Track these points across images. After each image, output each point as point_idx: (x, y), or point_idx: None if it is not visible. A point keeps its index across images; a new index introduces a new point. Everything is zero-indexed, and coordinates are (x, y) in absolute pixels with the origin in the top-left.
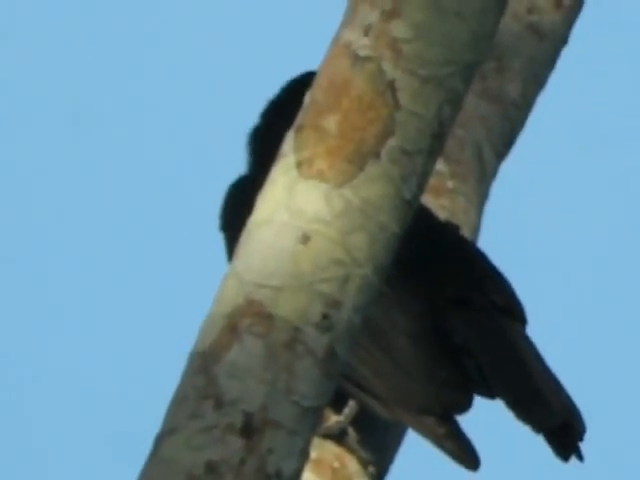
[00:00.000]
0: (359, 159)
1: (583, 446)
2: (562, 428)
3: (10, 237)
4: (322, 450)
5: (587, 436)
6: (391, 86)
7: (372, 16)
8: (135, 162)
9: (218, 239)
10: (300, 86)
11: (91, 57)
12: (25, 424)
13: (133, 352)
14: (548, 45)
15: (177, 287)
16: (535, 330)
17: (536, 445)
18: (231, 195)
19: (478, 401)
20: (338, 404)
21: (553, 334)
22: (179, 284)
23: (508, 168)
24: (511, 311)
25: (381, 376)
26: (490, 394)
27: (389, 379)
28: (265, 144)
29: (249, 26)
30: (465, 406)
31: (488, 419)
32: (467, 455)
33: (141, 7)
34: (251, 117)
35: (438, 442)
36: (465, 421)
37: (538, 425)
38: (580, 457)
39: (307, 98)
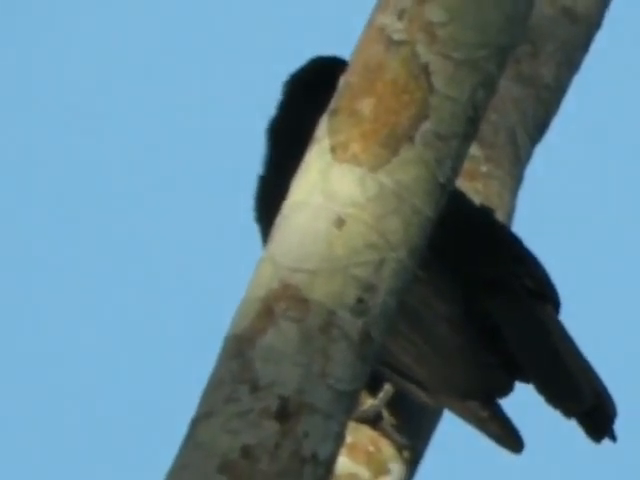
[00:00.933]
0: (393, 143)
1: (616, 428)
2: (593, 411)
3: (10, 238)
4: (357, 434)
5: (619, 418)
6: (425, 70)
7: (406, 0)
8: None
9: (249, 224)
10: (313, 74)
11: (91, 57)
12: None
13: (168, 336)
14: (582, 29)
15: (212, 271)
16: (568, 313)
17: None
18: (262, 185)
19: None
20: (374, 388)
21: (586, 317)
22: (214, 269)
23: (542, 151)
24: (544, 294)
25: (422, 362)
26: (526, 378)
27: (430, 365)
28: (289, 133)
29: (275, 10)
30: (507, 389)
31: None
32: (511, 438)
33: (141, 7)
34: (254, 112)
35: (482, 425)
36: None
37: (568, 409)
38: (613, 438)
39: (341, 82)
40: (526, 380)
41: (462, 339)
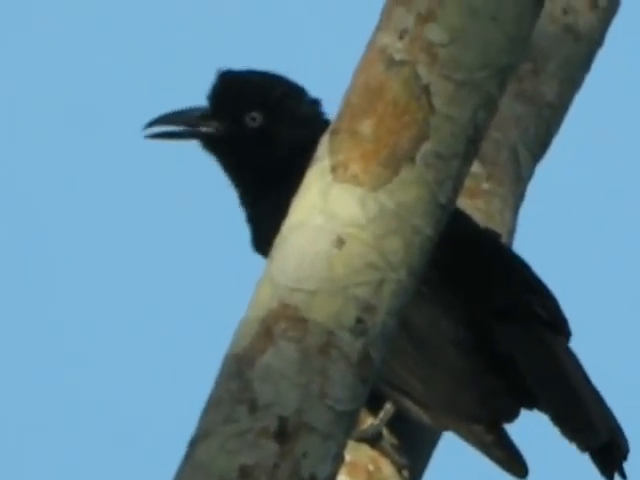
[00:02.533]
0: (394, 163)
1: (627, 465)
2: (606, 447)
3: (11, 238)
4: (357, 453)
5: (631, 455)
6: (426, 90)
7: (407, 20)
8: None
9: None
10: None
11: (91, 57)
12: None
13: (166, 356)
14: (584, 46)
15: (211, 291)
16: (576, 340)
17: (580, 458)
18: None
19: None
20: (374, 407)
21: (591, 342)
22: (213, 288)
23: (543, 169)
24: (555, 324)
25: (428, 383)
26: (531, 405)
27: (436, 386)
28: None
29: (277, 29)
30: (512, 414)
31: (529, 429)
32: (515, 463)
33: (142, 7)
34: None
35: (486, 449)
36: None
37: (583, 443)
38: (624, 476)
39: (342, 102)
40: (531, 407)
41: (469, 363)
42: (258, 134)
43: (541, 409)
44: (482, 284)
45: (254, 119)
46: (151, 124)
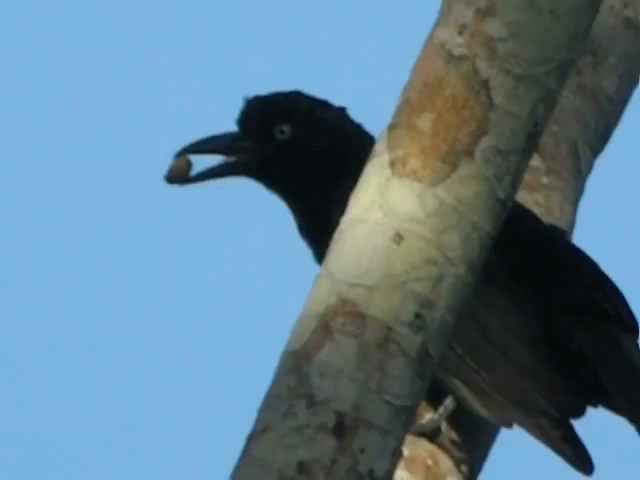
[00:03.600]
0: (453, 158)
1: None
2: None
3: (11, 238)
4: (416, 448)
5: None
6: (485, 85)
7: (467, 15)
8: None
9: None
10: None
11: (90, 57)
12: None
13: (226, 353)
14: None
15: (269, 287)
16: None
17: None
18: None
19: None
20: (434, 402)
21: None
22: (271, 284)
23: (603, 163)
24: (624, 321)
25: (498, 375)
26: (598, 403)
27: (506, 379)
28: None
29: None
30: (580, 412)
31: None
32: (582, 460)
33: (142, 7)
34: None
35: (553, 445)
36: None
37: None
38: None
39: (400, 97)
40: (597, 405)
41: (538, 358)
42: (290, 145)
43: (613, 407)
44: (551, 281)
45: (283, 132)
46: (182, 152)
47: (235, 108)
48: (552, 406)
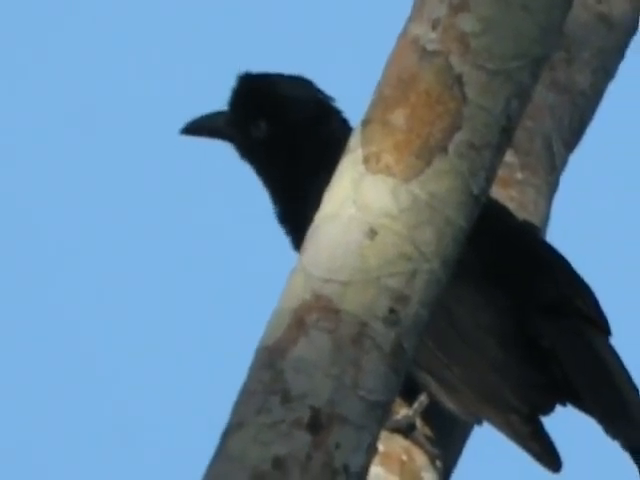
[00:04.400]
0: (427, 154)
1: None
2: None
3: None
4: (390, 443)
5: None
6: (459, 80)
7: (440, 10)
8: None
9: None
10: None
11: (91, 56)
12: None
13: (200, 347)
14: (617, 35)
15: (243, 282)
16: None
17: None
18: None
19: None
20: (408, 397)
21: (626, 337)
22: (245, 279)
23: (577, 159)
24: (596, 321)
25: (468, 370)
26: (567, 401)
27: (476, 373)
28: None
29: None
30: (550, 408)
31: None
32: (550, 456)
33: (143, 7)
34: None
35: (522, 441)
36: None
37: (627, 442)
38: None
39: (374, 92)
40: (565, 403)
41: (510, 354)
42: (265, 143)
43: (581, 405)
44: (525, 278)
45: (259, 128)
46: (184, 131)
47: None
48: (522, 402)
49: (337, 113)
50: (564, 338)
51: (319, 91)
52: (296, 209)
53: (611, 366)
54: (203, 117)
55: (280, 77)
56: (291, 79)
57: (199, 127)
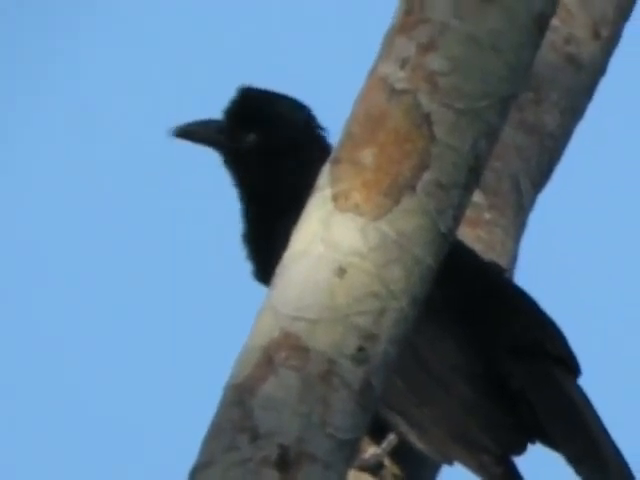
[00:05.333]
0: (395, 192)
1: None
2: None
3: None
4: None
5: None
6: (427, 119)
7: (409, 49)
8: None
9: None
10: None
11: (91, 56)
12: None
13: (168, 383)
14: (586, 76)
15: (212, 318)
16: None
17: None
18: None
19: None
20: (376, 436)
21: (595, 374)
22: (213, 314)
23: (545, 199)
24: (565, 361)
25: (438, 410)
26: (537, 440)
27: (446, 414)
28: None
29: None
30: (521, 448)
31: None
32: None
33: (143, 8)
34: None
35: None
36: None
37: None
38: None
39: (343, 131)
40: (535, 442)
41: (480, 394)
42: (252, 155)
43: (554, 447)
44: (494, 319)
45: (249, 139)
46: (176, 133)
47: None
48: (493, 442)
49: (323, 142)
50: (533, 379)
51: (311, 117)
52: (264, 235)
53: (580, 407)
54: (196, 122)
55: (278, 96)
56: (288, 100)
57: (190, 131)
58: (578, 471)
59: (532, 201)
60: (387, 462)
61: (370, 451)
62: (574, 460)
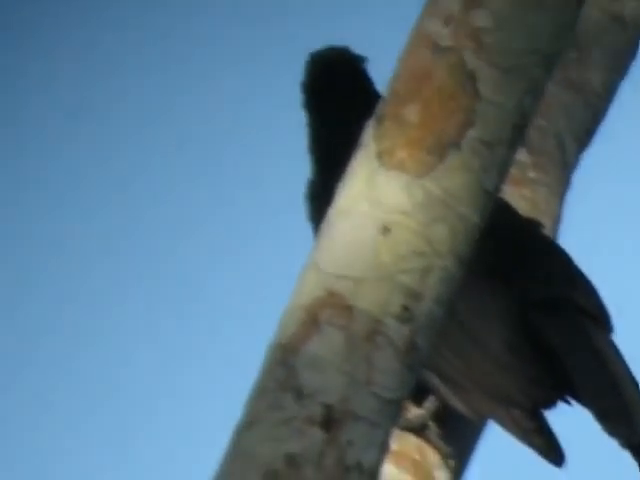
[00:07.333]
0: (440, 150)
1: None
2: None
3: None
4: (403, 442)
5: None
6: (472, 76)
7: (453, 6)
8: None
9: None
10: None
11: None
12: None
13: (213, 344)
14: (630, 34)
15: (255, 279)
16: (619, 335)
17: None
18: (312, 186)
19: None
20: (419, 397)
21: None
22: (257, 277)
23: (589, 157)
24: (598, 318)
25: (471, 366)
26: (569, 397)
27: (479, 369)
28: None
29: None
30: (552, 403)
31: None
32: (553, 451)
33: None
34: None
35: (525, 436)
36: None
37: (624, 439)
38: None
39: (387, 88)
40: (568, 399)
41: (513, 350)
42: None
43: (582, 402)
44: (527, 275)
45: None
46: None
47: None
48: (525, 398)
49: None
50: (564, 334)
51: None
52: (314, 189)
53: (611, 363)
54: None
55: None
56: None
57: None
58: (605, 427)
59: (577, 160)
60: (431, 422)
61: (414, 411)
62: (601, 416)
